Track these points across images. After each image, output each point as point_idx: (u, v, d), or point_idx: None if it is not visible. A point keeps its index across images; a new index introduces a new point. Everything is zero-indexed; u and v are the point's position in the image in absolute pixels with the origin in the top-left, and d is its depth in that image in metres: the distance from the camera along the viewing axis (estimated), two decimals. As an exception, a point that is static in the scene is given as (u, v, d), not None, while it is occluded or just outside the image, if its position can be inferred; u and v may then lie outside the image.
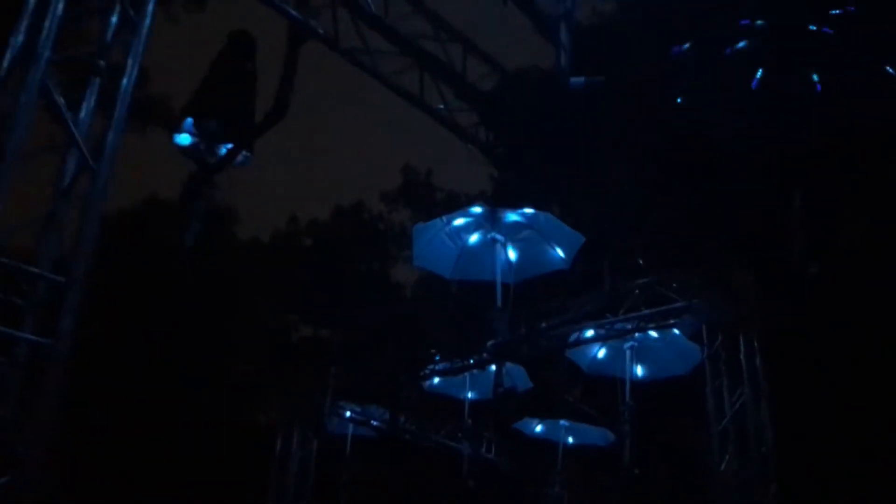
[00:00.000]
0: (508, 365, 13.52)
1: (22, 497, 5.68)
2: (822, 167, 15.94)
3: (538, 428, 17.00)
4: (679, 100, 14.43)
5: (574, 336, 13.97)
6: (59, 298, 6.02)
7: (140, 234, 33.21)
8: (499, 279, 11.58)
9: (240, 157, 9.90)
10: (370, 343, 22.26)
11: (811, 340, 16.49)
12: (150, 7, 7.05)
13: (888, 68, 13.91)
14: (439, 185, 39.52)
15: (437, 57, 10.56)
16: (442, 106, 11.05)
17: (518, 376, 14.78)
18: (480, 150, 11.55)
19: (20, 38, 6.17)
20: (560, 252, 12.23)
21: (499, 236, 11.74)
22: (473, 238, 12.23)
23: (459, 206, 14.10)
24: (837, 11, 13.79)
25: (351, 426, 17.50)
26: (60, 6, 6.37)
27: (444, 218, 12.17)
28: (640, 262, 12.99)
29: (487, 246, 11.91)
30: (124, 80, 6.69)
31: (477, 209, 11.87)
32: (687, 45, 14.26)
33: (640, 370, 13.93)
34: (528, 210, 11.77)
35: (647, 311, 13.06)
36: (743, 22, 14.31)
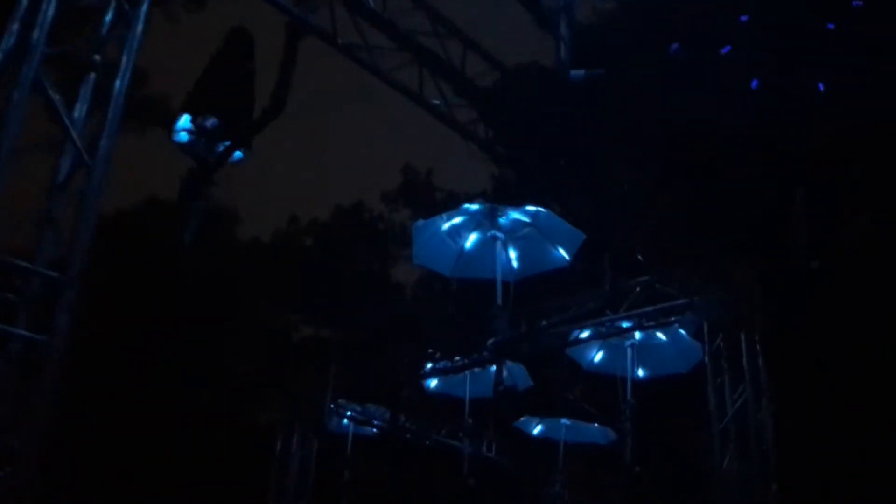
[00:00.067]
0: (509, 363, 13.48)
1: (18, 493, 5.63)
2: (824, 164, 15.90)
3: (539, 427, 16.95)
4: (679, 97, 14.38)
5: (574, 334, 13.92)
6: (54, 295, 5.97)
7: (140, 234, 33.20)
8: (499, 277, 11.52)
9: (238, 154, 9.87)
10: (370, 342, 22.23)
11: (813, 338, 16.43)
12: (146, 1, 7.00)
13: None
14: (439, 185, 39.57)
15: (436, 53, 10.52)
16: (441, 102, 11.00)
17: (518, 375, 14.74)
18: (480, 147, 11.50)
19: (13, 32, 6.12)
20: (560, 250, 12.16)
21: (499, 234, 11.68)
22: (473, 236, 12.18)
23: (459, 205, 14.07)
24: (858, 3, 13.75)
25: (351, 425, 17.48)
26: (54, 0, 6.33)
27: (444, 216, 12.10)
28: (640, 258, 12.91)
29: (487, 244, 11.85)
30: (120, 75, 6.64)
31: (477, 207, 11.81)
32: (681, 44, 14.22)
33: (640, 368, 13.89)
34: (529, 207, 11.71)
35: (647, 309, 13.01)
36: (742, 18, 14.27)
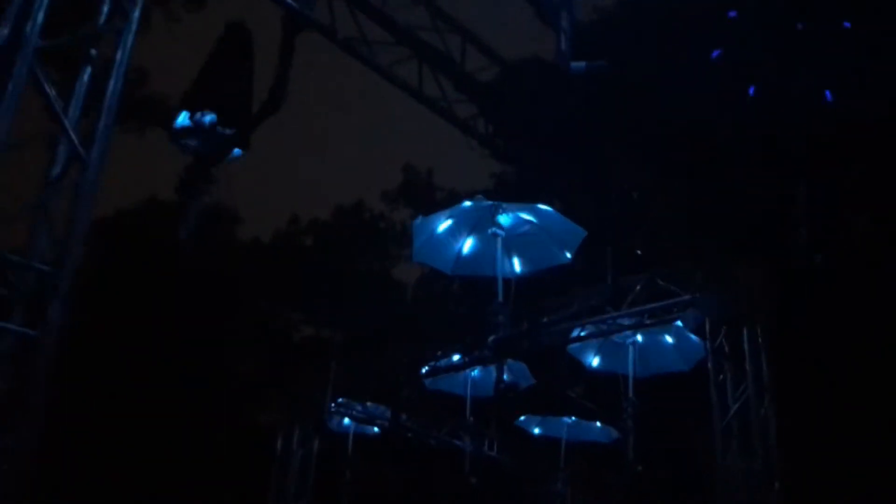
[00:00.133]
0: (510, 362, 13.42)
1: (13, 491, 5.56)
2: (825, 163, 15.84)
3: (540, 425, 16.89)
4: (679, 94, 14.32)
5: (576, 332, 13.85)
6: (48, 289, 5.90)
7: (140, 234, 33.21)
8: (499, 274, 11.43)
9: (236, 150, 9.81)
10: (371, 342, 22.18)
11: (816, 335, 16.38)
12: (142, -6, 6.94)
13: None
14: (440, 184, 39.57)
15: (435, 47, 10.45)
16: (440, 97, 10.93)
17: (520, 373, 14.67)
18: (480, 143, 11.43)
19: (7, 24, 6.05)
20: (562, 246, 12.08)
21: (499, 231, 11.59)
22: (474, 233, 12.09)
23: (460, 204, 14.01)
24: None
25: (353, 425, 17.43)
26: (49, -8, 6.27)
27: (444, 213, 12.02)
28: (641, 255, 12.84)
29: (488, 241, 11.76)
30: (116, 67, 6.57)
31: (477, 204, 11.73)
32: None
33: (642, 366, 13.83)
34: (529, 204, 11.64)
35: (649, 306, 12.95)
36: (731, 14, 14.18)
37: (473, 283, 12.63)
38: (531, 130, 11.52)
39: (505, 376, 12.07)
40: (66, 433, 25.69)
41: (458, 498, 14.87)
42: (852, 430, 16.24)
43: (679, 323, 13.05)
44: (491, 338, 12.24)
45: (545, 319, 13.59)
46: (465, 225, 11.99)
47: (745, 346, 12.62)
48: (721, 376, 12.66)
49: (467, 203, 11.68)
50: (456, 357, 15.01)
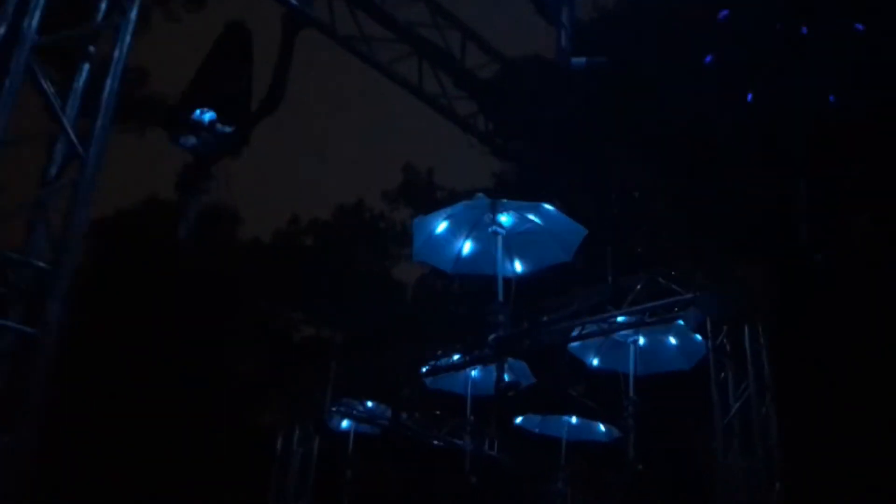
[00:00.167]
0: (511, 361, 13.39)
1: (11, 489, 5.53)
2: (827, 159, 15.82)
3: (541, 424, 16.85)
4: (680, 92, 14.28)
5: (577, 330, 13.82)
6: (46, 287, 5.87)
7: (140, 234, 33.22)
8: (500, 273, 11.40)
9: (235, 149, 9.78)
10: (372, 341, 22.17)
11: (817, 334, 16.36)
12: (141, -10, 6.91)
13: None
14: (440, 184, 39.55)
15: (435, 44, 10.40)
16: (440, 94, 10.88)
17: (520, 372, 14.64)
18: (480, 140, 11.39)
19: (5, 19, 6.02)
20: (562, 245, 12.04)
21: (500, 230, 11.56)
22: (474, 232, 12.05)
23: (460, 204, 13.96)
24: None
25: (353, 424, 17.41)
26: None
27: (445, 211, 11.98)
28: (640, 252, 12.81)
29: (488, 239, 11.73)
30: (114, 63, 6.54)
31: (477, 202, 11.69)
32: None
33: (643, 365, 13.80)
34: (530, 203, 11.60)
35: (650, 305, 12.92)
36: (721, 14, 14.13)
37: (474, 282, 12.60)
38: (531, 128, 11.47)
39: (506, 375, 12.04)
40: (67, 433, 25.67)
41: (459, 497, 14.85)
42: (853, 430, 16.21)
43: (680, 322, 13.03)
44: (491, 336, 12.21)
45: (545, 318, 13.56)
46: (466, 223, 11.95)
47: (747, 345, 12.61)
48: (722, 375, 12.66)
49: (467, 201, 11.66)
50: (456, 356, 14.98)
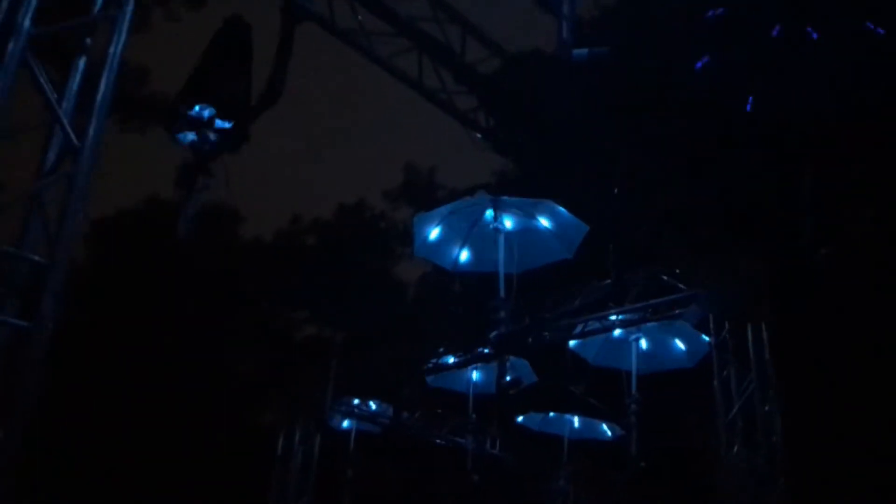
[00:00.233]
0: (513, 359, 13.31)
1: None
2: (834, 150, 15.74)
3: (543, 422, 16.79)
4: (682, 87, 14.21)
5: (579, 327, 13.76)
6: (41, 281, 5.81)
7: (141, 233, 33.23)
8: (501, 269, 11.34)
9: (234, 145, 9.71)
10: (373, 340, 22.14)
11: (820, 329, 16.29)
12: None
13: None
14: (441, 183, 39.53)
15: (435, 39, 10.34)
16: (441, 89, 10.82)
17: (522, 370, 14.57)
18: (481, 136, 11.33)
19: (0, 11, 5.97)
20: (564, 242, 11.99)
21: (501, 226, 11.51)
22: (475, 228, 12.00)
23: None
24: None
25: (354, 422, 17.37)
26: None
27: (446, 207, 11.93)
28: (644, 249, 12.76)
29: (489, 236, 11.68)
30: (110, 55, 6.48)
31: (479, 198, 11.63)
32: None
33: (645, 362, 13.74)
34: (531, 199, 11.55)
35: (652, 302, 12.86)
36: (710, 14, 14.03)
37: (475, 281, 12.55)
38: (532, 123, 11.41)
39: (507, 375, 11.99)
40: (68, 433, 25.69)
41: (461, 496, 14.80)
42: (857, 426, 16.14)
43: (682, 319, 12.97)
44: (493, 334, 12.16)
45: (547, 315, 13.51)
46: (467, 220, 11.90)
47: (750, 341, 12.54)
48: (725, 371, 12.59)
49: (468, 198, 11.60)
50: (458, 354, 14.94)
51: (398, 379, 16.88)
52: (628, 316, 13.16)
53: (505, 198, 11.44)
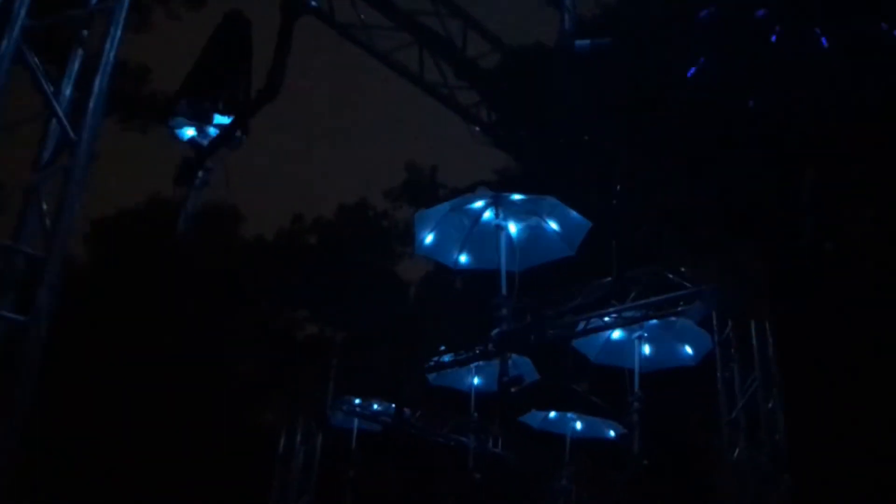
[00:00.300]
0: (515, 357, 13.24)
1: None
2: (834, 150, 15.69)
3: (545, 421, 16.72)
4: (685, 83, 14.12)
5: (581, 325, 13.68)
6: (37, 275, 5.74)
7: (143, 233, 33.21)
8: (503, 267, 11.28)
9: (234, 139, 9.67)
10: (375, 338, 22.09)
11: (825, 326, 16.24)
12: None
13: None
14: (443, 182, 39.41)
15: (436, 33, 10.26)
16: (442, 84, 10.75)
17: (524, 368, 14.50)
18: (482, 131, 11.26)
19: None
20: (566, 238, 11.92)
21: (503, 223, 11.45)
22: (477, 225, 11.93)
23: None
24: None
25: (356, 421, 17.31)
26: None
27: (447, 204, 11.86)
28: (651, 247, 12.69)
29: (491, 233, 11.61)
30: (107, 47, 6.41)
31: (480, 195, 11.56)
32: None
33: (648, 360, 13.68)
34: (533, 195, 11.48)
35: (655, 299, 12.78)
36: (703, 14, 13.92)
37: (478, 280, 12.49)
38: (534, 119, 11.35)
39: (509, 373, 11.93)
40: (68, 432, 25.65)
41: (462, 494, 14.76)
42: (861, 423, 16.09)
43: (685, 316, 12.89)
44: (494, 331, 12.10)
45: (550, 313, 13.44)
46: (468, 217, 11.84)
47: (753, 338, 12.48)
48: (728, 368, 12.53)
49: (470, 195, 11.54)
50: (459, 353, 14.88)
51: (399, 378, 16.81)
52: (631, 313, 13.07)
53: (506, 194, 11.38)
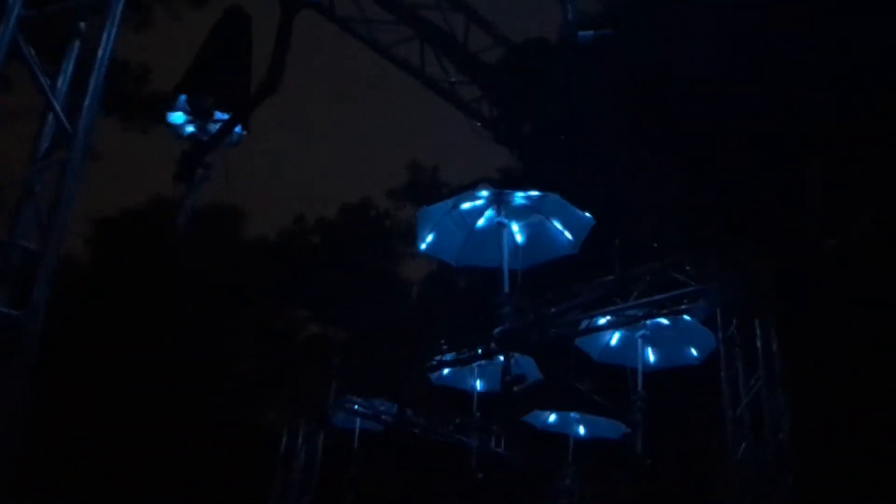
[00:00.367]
0: (518, 357, 13.18)
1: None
2: (834, 150, 15.63)
3: (548, 420, 16.64)
4: (689, 80, 14.08)
5: (584, 324, 13.59)
6: (32, 268, 5.66)
7: (145, 233, 33.19)
8: (506, 265, 11.22)
9: (234, 135, 9.61)
10: (378, 338, 22.06)
11: (829, 323, 16.15)
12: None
13: None
14: (446, 181, 39.38)
15: (438, 27, 10.18)
16: (443, 79, 10.67)
17: (528, 368, 14.42)
18: (484, 126, 11.18)
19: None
20: (569, 236, 11.85)
21: (505, 220, 11.38)
22: (479, 223, 11.84)
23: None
24: None
25: (358, 421, 17.26)
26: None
27: (449, 201, 11.80)
28: (653, 245, 12.60)
29: (494, 230, 11.54)
30: (104, 38, 6.33)
31: (482, 192, 11.48)
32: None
33: (652, 359, 13.59)
34: (536, 192, 11.40)
35: (659, 297, 12.67)
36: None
37: (480, 279, 12.44)
38: (536, 114, 11.27)
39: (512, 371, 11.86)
40: (69, 432, 25.62)
41: (465, 494, 14.70)
42: (866, 422, 16.00)
43: (689, 315, 12.80)
44: (497, 329, 12.03)
45: (552, 311, 13.34)
46: (470, 214, 11.78)
47: (758, 336, 12.39)
48: (733, 366, 12.44)
49: (472, 191, 11.46)
50: (462, 352, 14.81)
51: (401, 377, 16.76)
52: (634, 311, 12.97)
53: (509, 191, 11.31)
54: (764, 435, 11.98)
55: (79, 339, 27.40)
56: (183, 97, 9.61)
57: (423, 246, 12.31)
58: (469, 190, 11.33)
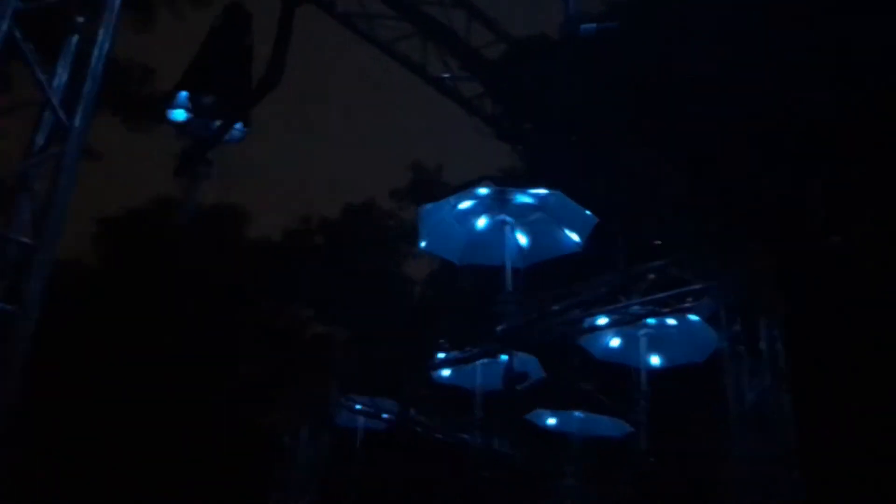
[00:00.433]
0: (521, 355, 13.16)
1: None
2: (842, 140, 15.56)
3: (551, 419, 16.60)
4: (692, 78, 14.03)
5: (587, 322, 13.53)
6: (27, 262, 5.61)
7: (148, 233, 33.21)
8: (509, 263, 11.20)
9: (235, 132, 9.56)
10: (380, 336, 22.04)
11: (834, 322, 16.07)
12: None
13: None
14: (449, 181, 39.29)
15: (440, 23, 10.11)
16: (445, 75, 10.60)
17: (531, 366, 14.38)
18: (486, 123, 11.13)
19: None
20: (572, 234, 11.83)
21: (508, 218, 11.35)
22: (482, 221, 11.82)
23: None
24: None
25: (361, 420, 17.23)
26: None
27: (452, 199, 11.77)
28: (657, 243, 12.54)
29: (497, 229, 11.50)
30: (101, 32, 6.28)
31: (485, 190, 11.43)
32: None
33: (655, 358, 13.56)
34: (539, 190, 11.36)
35: (662, 295, 12.61)
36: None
37: (484, 278, 12.40)
38: (539, 109, 11.21)
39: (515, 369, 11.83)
40: (70, 432, 25.60)
41: (468, 493, 14.65)
42: (871, 420, 15.92)
43: (692, 313, 12.75)
44: (499, 327, 12.00)
45: (555, 308, 13.29)
46: (473, 212, 11.76)
47: (762, 334, 12.32)
48: (737, 366, 12.36)
49: (475, 190, 11.42)
50: (464, 350, 14.78)
51: (404, 376, 16.75)
52: (638, 309, 12.92)
53: (512, 189, 11.27)
54: (769, 434, 11.90)
55: (80, 338, 27.40)
56: (184, 94, 9.55)
57: (424, 244, 12.30)
58: (472, 188, 11.29)
